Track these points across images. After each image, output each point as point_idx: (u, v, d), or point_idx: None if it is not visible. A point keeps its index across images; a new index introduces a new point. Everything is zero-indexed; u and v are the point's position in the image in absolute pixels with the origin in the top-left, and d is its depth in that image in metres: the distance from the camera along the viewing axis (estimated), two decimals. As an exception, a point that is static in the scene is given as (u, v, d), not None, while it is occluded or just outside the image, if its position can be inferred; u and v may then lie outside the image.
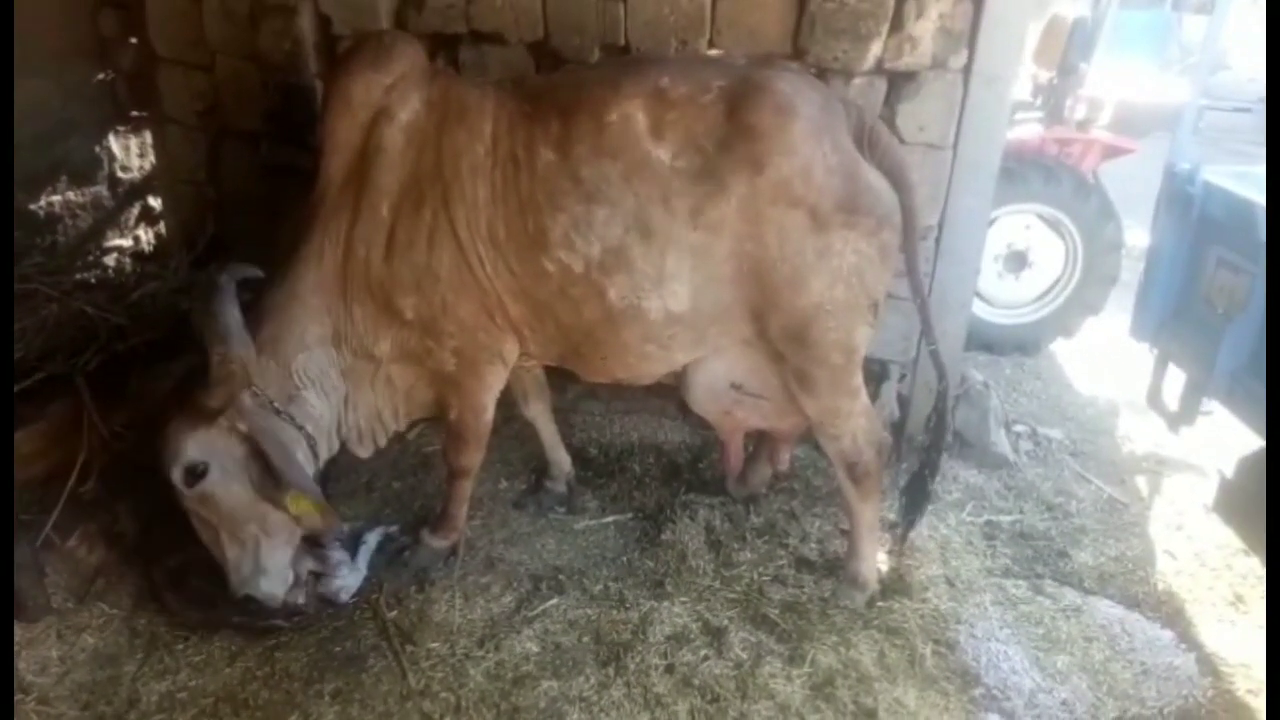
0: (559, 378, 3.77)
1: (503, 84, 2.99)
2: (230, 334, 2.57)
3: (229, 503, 2.80)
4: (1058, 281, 5.43)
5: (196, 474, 2.73)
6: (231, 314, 2.59)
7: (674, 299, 2.81)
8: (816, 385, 2.91)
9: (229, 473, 2.77)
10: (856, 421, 3.00)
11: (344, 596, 3.14)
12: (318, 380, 2.98)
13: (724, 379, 3.10)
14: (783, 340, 2.85)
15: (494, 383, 3.14)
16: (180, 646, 2.99)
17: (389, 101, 2.83)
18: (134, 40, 4.78)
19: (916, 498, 3.20)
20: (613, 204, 2.72)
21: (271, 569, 2.91)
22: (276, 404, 2.86)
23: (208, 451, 2.74)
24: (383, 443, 3.27)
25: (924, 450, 3.15)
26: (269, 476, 2.76)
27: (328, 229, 2.91)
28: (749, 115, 2.64)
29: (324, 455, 3.09)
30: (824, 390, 2.92)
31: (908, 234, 2.90)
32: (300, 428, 2.92)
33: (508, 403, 3.27)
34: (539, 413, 3.68)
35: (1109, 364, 5.46)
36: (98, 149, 5.05)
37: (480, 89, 2.92)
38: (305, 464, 2.93)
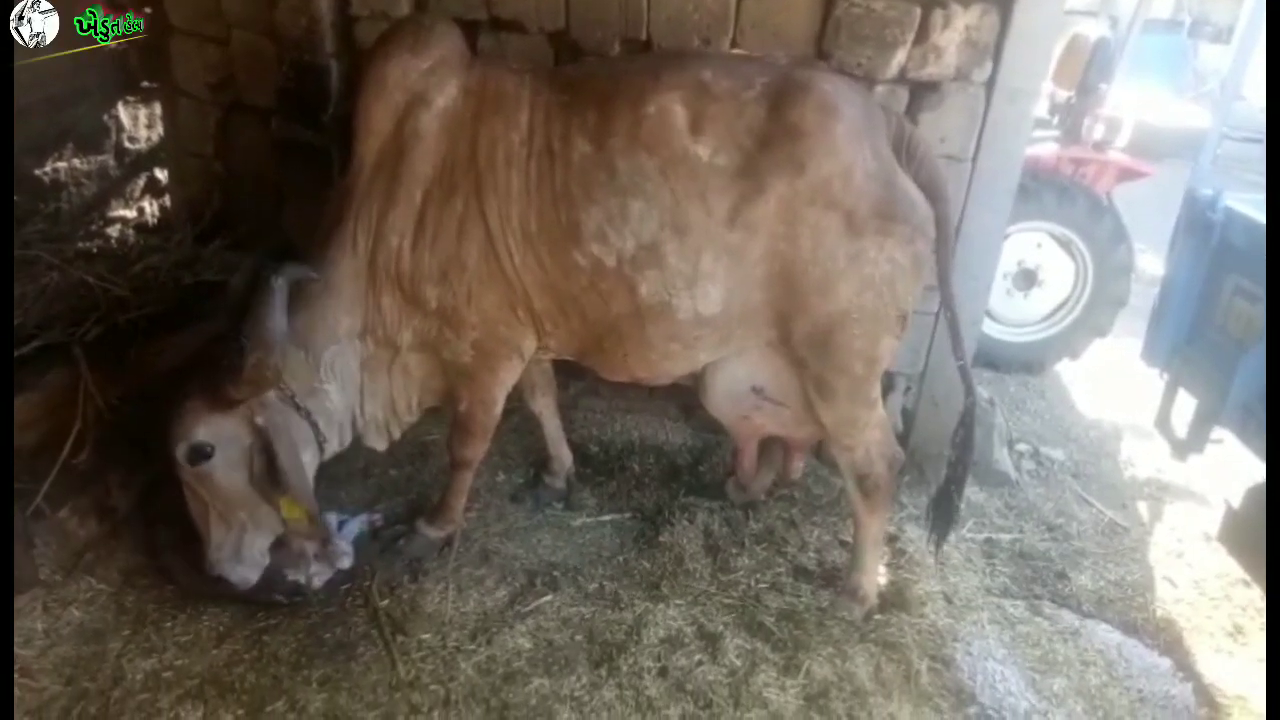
0: (562, 373, 3.73)
1: (540, 72, 2.94)
2: (273, 342, 2.54)
3: (225, 487, 2.77)
4: (1066, 302, 5.40)
5: (201, 455, 2.70)
6: (279, 321, 2.55)
7: (705, 300, 2.76)
8: (835, 394, 2.87)
9: (232, 460, 2.75)
10: (871, 433, 2.97)
11: (316, 582, 3.09)
12: (340, 374, 2.94)
13: (745, 382, 3.06)
14: (806, 345, 2.81)
15: (508, 377, 3.10)
16: (168, 624, 2.94)
17: (426, 86, 2.78)
18: (148, 10, 4.72)
19: (943, 515, 3.13)
20: (648, 198, 2.67)
21: (248, 557, 2.89)
22: (297, 398, 2.83)
23: (217, 437, 2.71)
24: (397, 435, 3.23)
25: (951, 466, 3.09)
26: (271, 474, 2.74)
27: (359, 216, 2.86)
28: (792, 113, 2.60)
29: (332, 450, 3.05)
30: (842, 399, 2.88)
31: (942, 246, 2.85)
32: (314, 424, 2.89)
33: (509, 395, 3.23)
34: (545, 406, 3.63)
35: (1113, 387, 5.43)
36: (106, 118, 4.98)
37: (518, 77, 2.86)
38: (311, 461, 2.91)
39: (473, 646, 2.94)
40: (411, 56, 2.79)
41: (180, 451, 2.69)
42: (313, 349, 2.86)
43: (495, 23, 3.82)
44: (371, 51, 2.96)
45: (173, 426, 2.69)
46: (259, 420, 2.73)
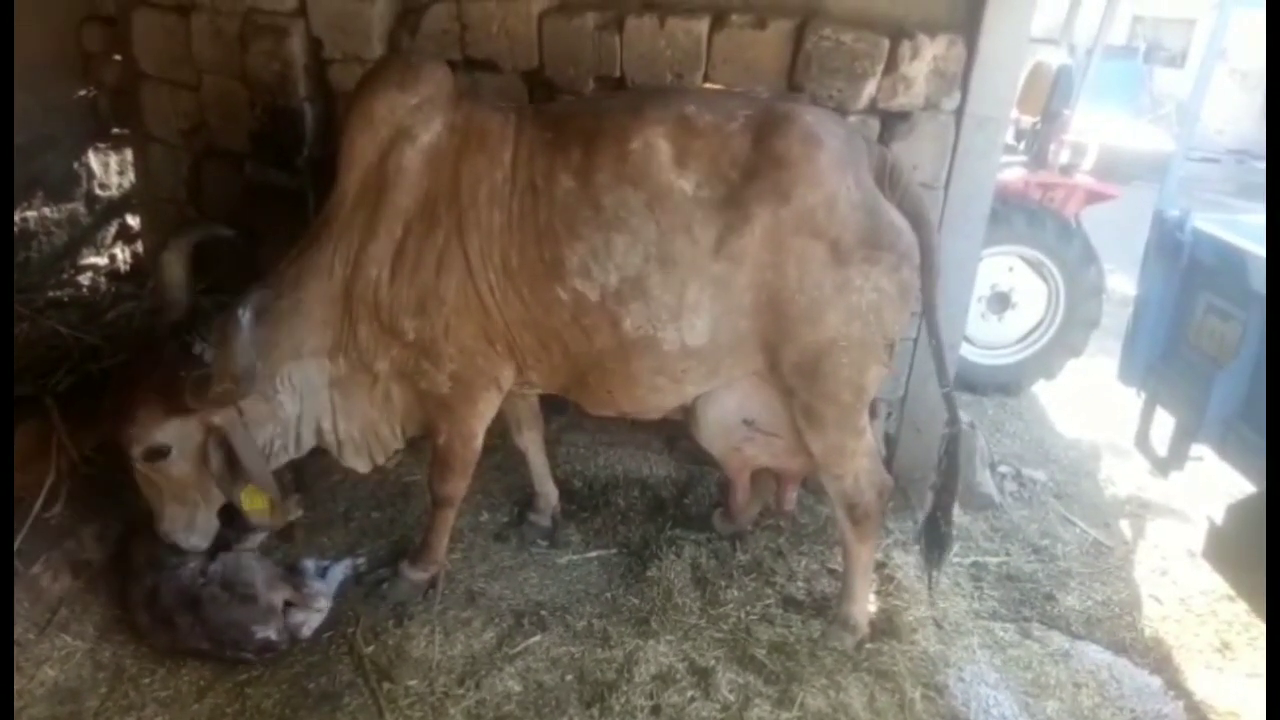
0: (544, 408, 3.71)
1: (525, 110, 2.97)
2: (242, 375, 2.57)
3: (179, 477, 2.83)
4: (1040, 323, 5.47)
5: (159, 454, 2.77)
6: (249, 356, 2.56)
7: (691, 332, 2.77)
8: (823, 422, 2.87)
9: (186, 454, 2.80)
10: (860, 461, 2.97)
11: (305, 631, 3.04)
12: (299, 388, 2.96)
13: (736, 414, 3.05)
14: (794, 374, 2.81)
15: (486, 410, 3.08)
16: (146, 681, 2.87)
17: (411, 122, 2.80)
18: (118, 56, 4.71)
19: (934, 543, 3.12)
20: (633, 232, 2.69)
21: (200, 528, 2.96)
22: (245, 415, 2.83)
23: (174, 438, 2.76)
24: (380, 459, 3.21)
25: (937, 494, 3.10)
26: (231, 468, 2.79)
27: (339, 245, 2.87)
28: (777, 144, 2.63)
29: (284, 459, 3.07)
30: (830, 428, 2.88)
31: (927, 273, 2.87)
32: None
33: (490, 432, 3.20)
34: (531, 442, 3.61)
35: (1090, 407, 5.49)
36: (76, 165, 4.96)
37: (503, 114, 2.89)
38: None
39: (461, 691, 2.88)
40: (399, 92, 2.81)
41: (136, 453, 2.77)
42: (270, 362, 2.85)
43: (470, 62, 3.84)
44: (359, 86, 2.98)
45: (128, 429, 2.73)
46: (216, 420, 2.76)
